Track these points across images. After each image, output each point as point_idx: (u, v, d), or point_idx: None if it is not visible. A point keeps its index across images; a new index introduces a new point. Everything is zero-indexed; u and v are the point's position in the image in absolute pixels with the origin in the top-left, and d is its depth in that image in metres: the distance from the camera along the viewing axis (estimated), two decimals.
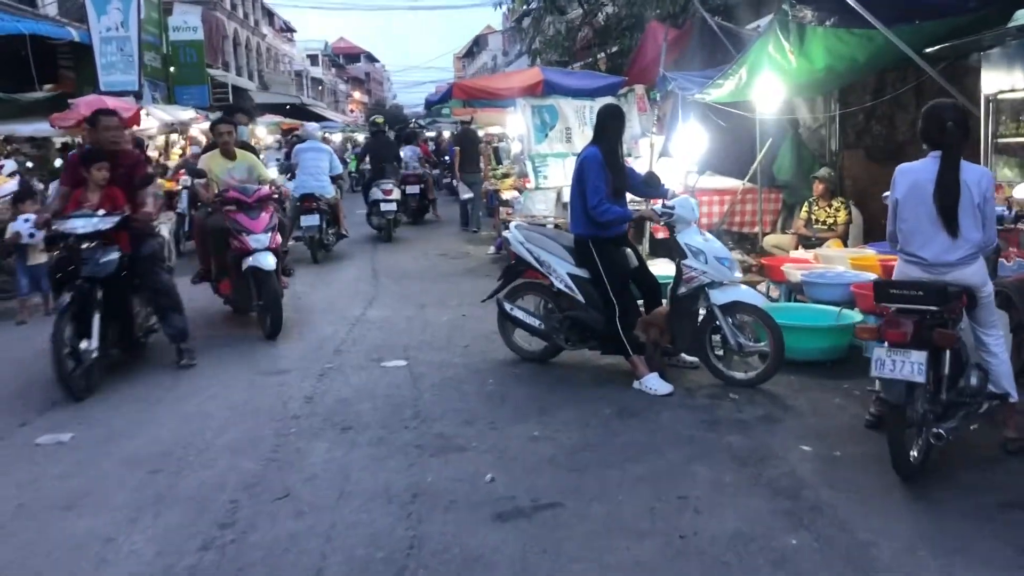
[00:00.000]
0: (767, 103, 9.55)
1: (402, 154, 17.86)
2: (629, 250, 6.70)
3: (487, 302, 7.33)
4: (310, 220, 12.27)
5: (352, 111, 73.62)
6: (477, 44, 68.96)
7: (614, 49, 18.82)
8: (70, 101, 19.29)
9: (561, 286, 6.70)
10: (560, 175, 11.61)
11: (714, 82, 9.27)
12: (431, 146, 28.57)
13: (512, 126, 15.05)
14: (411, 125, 43.19)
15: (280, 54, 56.41)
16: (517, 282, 7.21)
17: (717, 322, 6.28)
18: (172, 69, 30.05)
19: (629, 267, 6.63)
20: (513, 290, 7.18)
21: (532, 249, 6.84)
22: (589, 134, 11.87)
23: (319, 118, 46.79)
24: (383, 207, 14.85)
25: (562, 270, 6.68)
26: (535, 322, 6.92)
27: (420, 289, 10.44)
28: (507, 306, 7.02)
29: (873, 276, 7.70)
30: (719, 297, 6.21)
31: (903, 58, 7.68)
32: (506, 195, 14.87)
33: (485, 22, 63.81)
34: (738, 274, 6.48)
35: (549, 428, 5.47)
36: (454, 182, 21.37)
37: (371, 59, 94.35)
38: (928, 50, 7.67)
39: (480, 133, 20.96)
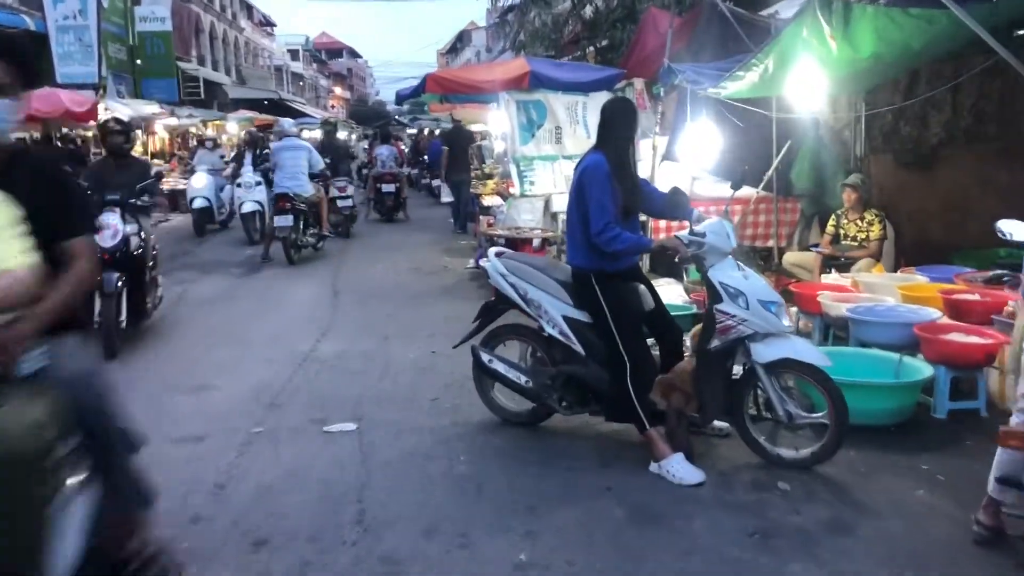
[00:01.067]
0: (802, 98, 8.02)
1: (377, 153, 18.50)
2: (643, 287, 5.14)
3: (461, 343, 5.72)
4: (283, 220, 11.81)
5: (333, 107, 71.80)
6: (460, 40, 67.19)
7: (604, 43, 17.28)
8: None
9: (554, 332, 5.14)
10: (548, 181, 10.05)
11: (733, 74, 7.74)
12: (406, 144, 26.91)
13: (494, 124, 13.45)
14: (390, 124, 41.77)
15: (259, 48, 54.54)
16: (498, 323, 5.62)
17: (759, 384, 4.75)
18: (139, 61, 28.32)
19: (643, 309, 5.07)
20: (492, 334, 5.61)
21: (517, 284, 5.28)
22: (582, 134, 10.36)
23: (298, 114, 45.10)
24: (339, 204, 14.96)
25: (556, 312, 5.12)
26: (520, 378, 5.34)
27: (385, 314, 8.84)
28: (484, 356, 5.44)
29: (935, 313, 6.19)
30: (764, 353, 4.66)
31: (969, 44, 6.18)
32: (487, 201, 13.30)
33: (470, 17, 62.02)
34: (787, 322, 4.92)
35: (540, 546, 3.89)
36: (433, 183, 19.90)
37: (353, 54, 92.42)
38: (1021, 32, 6.14)
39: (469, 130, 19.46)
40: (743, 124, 8.97)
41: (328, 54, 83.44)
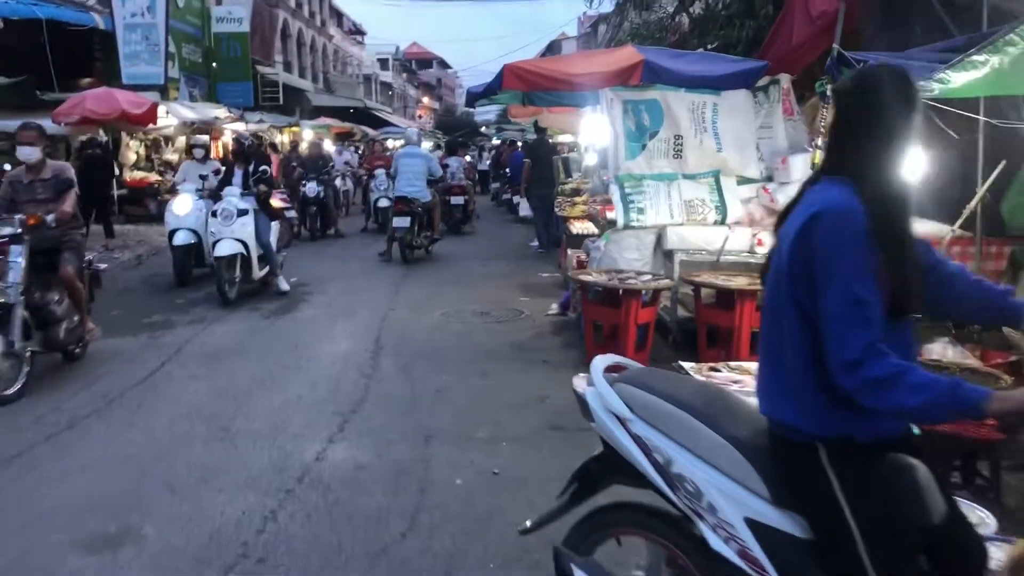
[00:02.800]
0: None
1: (448, 164, 17.56)
2: (924, 471, 2.38)
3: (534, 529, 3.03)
4: (401, 222, 12.30)
5: (420, 117, 70.04)
6: (550, 50, 64.61)
7: (713, 45, 14.44)
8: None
9: (726, 550, 2.45)
10: (664, 208, 7.32)
11: (964, 61, 4.99)
12: (475, 157, 24.47)
13: (589, 133, 10.76)
14: (476, 135, 39.61)
15: (348, 56, 52.94)
16: (602, 505, 2.97)
17: None
18: (214, 64, 26.55)
19: (926, 519, 2.32)
20: (593, 521, 2.94)
21: (651, 440, 2.64)
22: (711, 146, 7.60)
23: (383, 123, 43.31)
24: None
25: (731, 509, 2.42)
26: None
27: (434, 390, 6.24)
28: (576, 571, 2.76)
29: None
30: None
31: None
32: (577, 228, 10.60)
33: (561, 28, 59.39)
34: None
35: None
36: (515, 198, 17.57)
37: (443, 65, 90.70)
38: None
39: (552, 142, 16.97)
40: (958, 135, 6.12)
41: (418, 64, 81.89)
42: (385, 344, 7.61)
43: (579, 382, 3.00)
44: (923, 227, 7.47)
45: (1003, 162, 6.79)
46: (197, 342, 7.73)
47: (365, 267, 12.39)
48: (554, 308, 8.78)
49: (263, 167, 10.19)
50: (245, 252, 9.48)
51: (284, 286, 10.10)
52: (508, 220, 18.30)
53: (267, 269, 10.02)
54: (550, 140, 15.83)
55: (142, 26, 21.50)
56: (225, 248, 9.34)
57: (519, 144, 22.84)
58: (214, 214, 9.59)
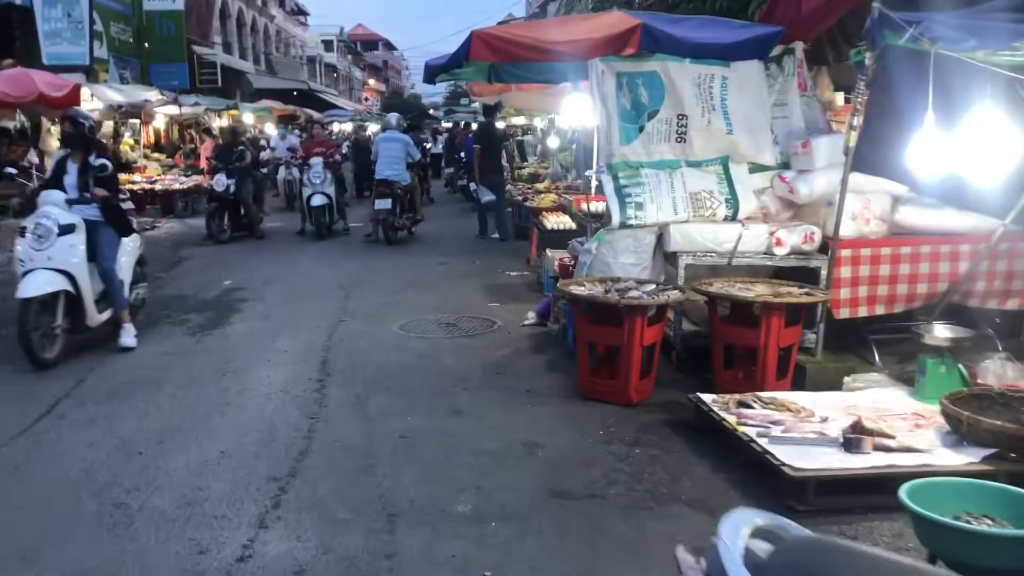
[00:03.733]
0: None
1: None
2: None
3: None
4: (383, 204, 12.46)
5: (367, 99, 67.95)
6: None
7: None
8: None
9: None
10: (666, 202, 6.06)
11: None
12: (435, 144, 22.82)
13: (568, 112, 9.42)
14: (425, 119, 38.09)
15: (291, 38, 50.75)
16: None
17: None
18: (146, 44, 24.61)
19: None
20: None
21: None
22: (720, 127, 6.33)
23: (329, 105, 41.49)
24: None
25: None
26: None
27: (397, 435, 4.91)
28: None
29: None
30: None
31: None
32: (551, 222, 9.32)
33: (507, 9, 57.68)
34: None
35: None
36: (471, 185, 16.30)
37: (389, 47, 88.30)
38: None
39: (500, 125, 15.69)
40: None
41: (363, 46, 79.49)
42: (334, 369, 6.25)
43: (686, 557, 1.71)
44: (968, 220, 6.35)
45: None
46: (103, 371, 6.29)
47: (312, 265, 10.95)
48: (531, 317, 7.49)
49: (101, 160, 6.83)
50: (71, 289, 6.45)
51: (128, 340, 6.86)
52: (465, 208, 16.94)
53: (113, 311, 6.96)
54: (500, 124, 14.75)
55: (63, 2, 19.56)
56: (35, 285, 6.19)
57: (473, 127, 21.47)
58: (22, 232, 6.48)
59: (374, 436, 4.92)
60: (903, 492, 3.29)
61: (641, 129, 6.14)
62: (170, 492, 4.19)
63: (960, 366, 5.07)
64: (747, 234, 6.04)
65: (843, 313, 6.11)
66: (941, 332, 5.16)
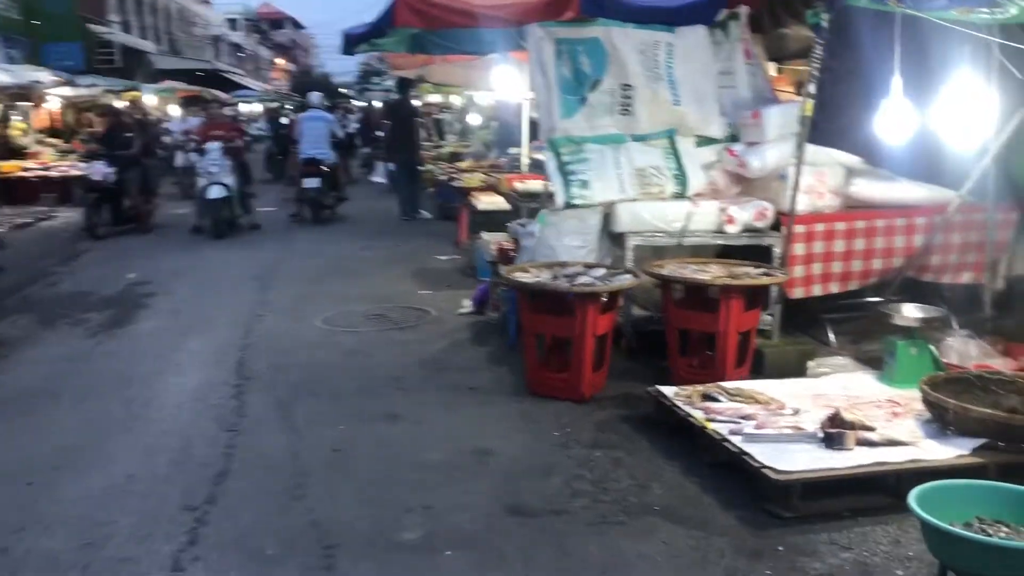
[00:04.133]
0: None
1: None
2: None
3: None
4: (312, 183, 12.30)
5: (275, 79, 65.92)
6: None
7: None
8: None
9: None
10: (612, 179, 5.62)
11: None
12: (350, 124, 21.92)
13: (499, 85, 8.86)
14: (336, 98, 36.95)
15: (194, 16, 48.66)
16: None
17: None
18: (36, 22, 23.04)
19: None
20: None
21: None
22: (666, 98, 5.89)
23: (235, 86, 39.96)
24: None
25: None
26: None
27: (329, 449, 4.37)
28: None
29: None
30: None
31: None
32: (484, 203, 8.83)
33: None
34: None
35: None
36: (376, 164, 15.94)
37: (296, 25, 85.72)
38: None
39: (416, 103, 15.13)
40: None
41: (270, 24, 76.97)
42: (253, 372, 5.64)
43: None
44: (923, 192, 6.09)
45: (1021, 111, 5.46)
46: None
47: (224, 255, 10.19)
48: (467, 305, 6.99)
49: None
50: None
51: None
52: (384, 189, 16.24)
53: None
54: (414, 101, 14.17)
55: None
56: None
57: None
58: None
59: (302, 450, 4.36)
60: (912, 499, 2.94)
61: (583, 101, 5.67)
62: (64, 531, 3.57)
63: (931, 348, 4.78)
64: (697, 212, 5.64)
65: (797, 293, 5.79)
66: (910, 312, 4.87)
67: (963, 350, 5.18)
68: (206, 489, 3.92)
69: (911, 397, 4.46)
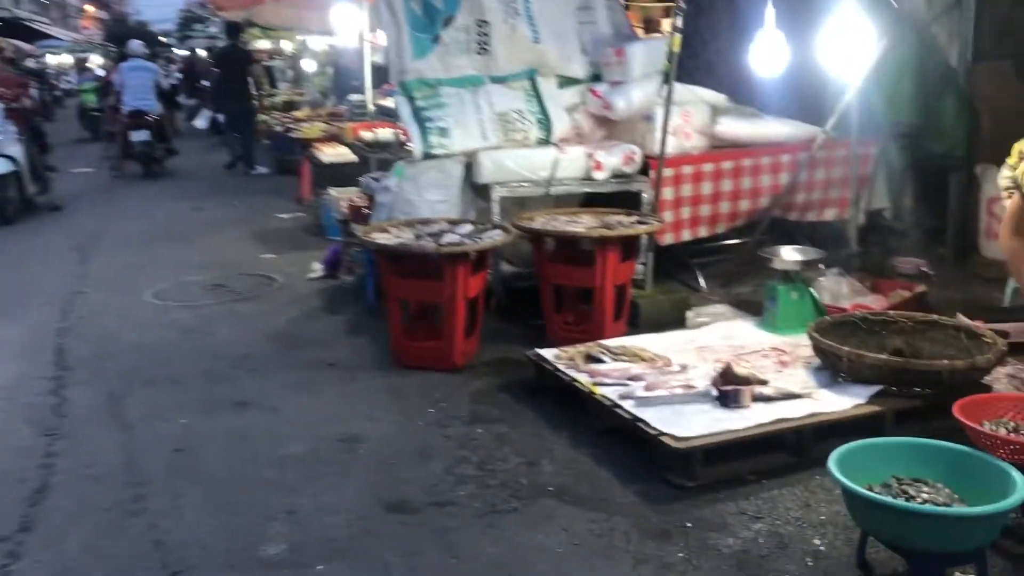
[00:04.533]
0: None
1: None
2: None
3: None
4: (140, 135, 11.77)
5: (86, 28, 60.89)
6: None
7: None
8: None
9: None
10: (473, 126, 5.17)
11: None
12: (172, 74, 20.24)
13: (341, 26, 8.12)
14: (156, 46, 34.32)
15: None
16: None
17: None
18: None
19: None
20: None
21: None
22: (525, 36, 5.41)
23: (40, 35, 36.51)
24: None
25: None
26: None
27: (167, 446, 3.77)
28: None
29: None
30: None
31: None
32: (328, 155, 8.17)
33: None
34: None
35: None
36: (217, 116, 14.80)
37: None
38: None
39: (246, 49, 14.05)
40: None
41: None
42: (74, 361, 4.89)
43: None
44: (787, 129, 5.96)
45: (883, 43, 5.37)
46: None
47: (32, 227, 9.03)
48: (317, 269, 6.40)
49: None
50: None
51: None
52: (213, 142, 15.09)
53: None
54: (245, 46, 13.16)
55: None
56: None
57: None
58: None
59: (139, 453, 3.75)
60: (832, 462, 2.70)
61: (436, 39, 5.17)
62: None
63: (812, 291, 4.64)
64: (564, 159, 5.28)
65: (667, 239, 5.57)
66: (789, 255, 4.70)
67: (835, 289, 5.09)
68: (20, 512, 3.27)
69: (795, 343, 4.30)
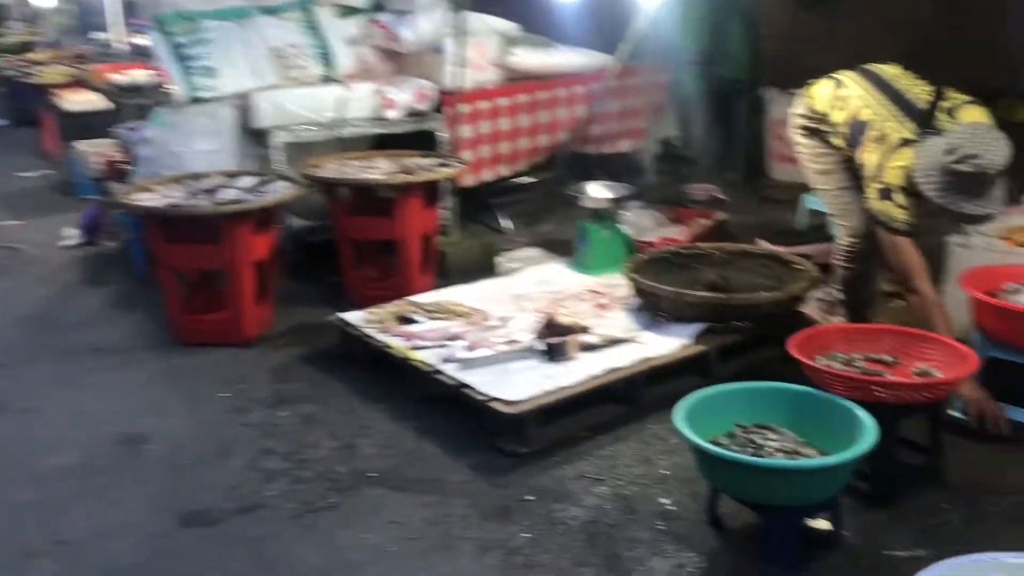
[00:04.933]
0: None
1: None
2: None
3: None
4: None
5: None
6: None
7: None
8: None
9: None
10: (242, 64, 4.54)
11: None
12: None
13: None
14: None
15: None
16: None
17: None
18: None
19: None
20: None
21: None
22: None
23: None
24: None
25: None
26: None
27: None
28: None
29: None
30: None
31: None
32: (72, 102, 7.14)
33: None
34: None
35: None
36: None
37: None
38: None
39: None
40: None
41: None
42: None
43: None
44: (580, 59, 5.73)
45: None
46: None
47: None
48: (72, 235, 5.53)
49: None
50: None
51: None
52: None
53: None
54: None
55: None
56: None
57: None
58: None
59: None
60: (679, 418, 2.50)
61: None
62: None
63: (622, 228, 4.48)
64: (351, 97, 4.78)
65: (468, 180, 5.23)
66: (597, 192, 4.49)
67: (638, 223, 4.98)
68: None
69: (610, 284, 4.14)
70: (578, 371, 3.25)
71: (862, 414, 2.50)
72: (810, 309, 3.80)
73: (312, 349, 3.93)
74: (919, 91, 3.24)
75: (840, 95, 3.37)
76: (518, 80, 5.42)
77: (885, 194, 3.16)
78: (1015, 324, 3.02)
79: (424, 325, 3.69)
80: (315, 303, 4.36)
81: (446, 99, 4.99)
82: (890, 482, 2.68)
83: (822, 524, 2.51)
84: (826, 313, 3.86)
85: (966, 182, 2.89)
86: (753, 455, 2.47)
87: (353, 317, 3.81)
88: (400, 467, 3.00)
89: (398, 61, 5.19)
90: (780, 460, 2.42)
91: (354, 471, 2.97)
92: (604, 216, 4.40)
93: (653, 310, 3.71)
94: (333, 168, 4.44)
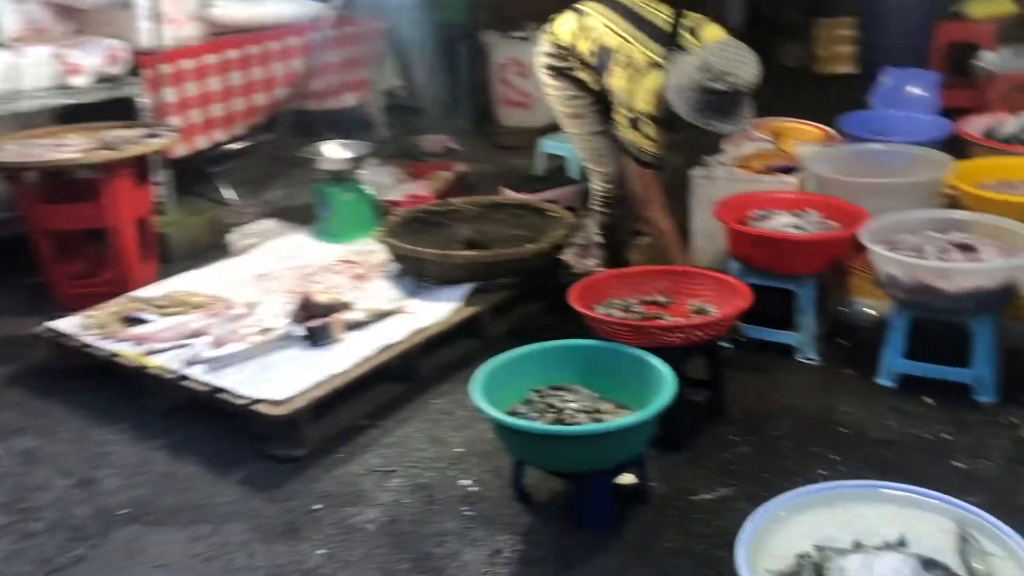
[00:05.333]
0: None
1: None
2: None
3: None
4: None
5: None
6: None
7: None
8: None
9: None
10: None
11: None
12: None
13: None
14: None
15: None
16: None
17: None
18: None
19: None
20: None
21: None
22: None
23: None
24: None
25: None
26: None
27: None
28: None
29: None
30: None
31: None
32: None
33: None
34: None
35: None
36: None
37: None
38: None
39: None
40: None
41: None
42: None
43: None
44: (292, 8, 5.23)
45: None
46: None
47: None
48: None
49: None
50: None
51: None
52: None
53: None
54: None
55: None
56: None
57: None
58: None
59: None
60: (476, 391, 2.31)
61: None
62: None
63: (364, 188, 4.15)
64: (23, 63, 4.00)
65: (181, 150, 4.62)
66: (335, 152, 4.12)
67: (377, 181, 4.68)
68: None
69: (363, 251, 3.85)
70: (348, 354, 2.94)
71: (655, 361, 2.43)
72: (566, 255, 3.74)
73: (18, 368, 3.27)
74: (660, 14, 3.21)
75: (584, 24, 3.27)
76: (225, 34, 4.84)
77: (634, 123, 3.14)
78: (768, 251, 3.11)
79: (156, 324, 3.18)
80: (14, 311, 3.65)
81: (143, 60, 4.34)
82: (683, 424, 2.66)
83: (628, 479, 2.44)
84: (580, 258, 3.83)
85: (720, 100, 2.91)
86: (555, 420, 2.34)
87: (66, 324, 3.20)
88: (155, 497, 2.54)
89: (78, 18, 4.42)
90: (592, 425, 2.29)
91: (98, 511, 2.48)
92: (344, 178, 4.05)
93: (416, 275, 3.46)
94: (14, 150, 3.68)
